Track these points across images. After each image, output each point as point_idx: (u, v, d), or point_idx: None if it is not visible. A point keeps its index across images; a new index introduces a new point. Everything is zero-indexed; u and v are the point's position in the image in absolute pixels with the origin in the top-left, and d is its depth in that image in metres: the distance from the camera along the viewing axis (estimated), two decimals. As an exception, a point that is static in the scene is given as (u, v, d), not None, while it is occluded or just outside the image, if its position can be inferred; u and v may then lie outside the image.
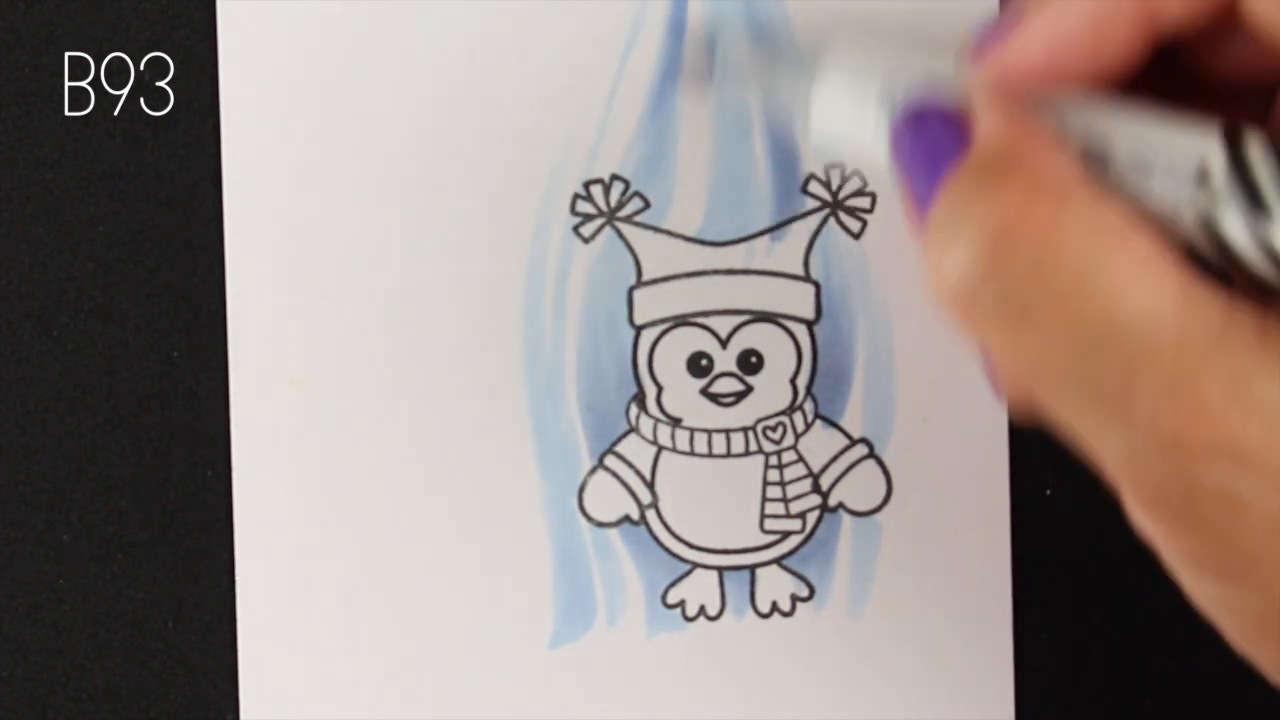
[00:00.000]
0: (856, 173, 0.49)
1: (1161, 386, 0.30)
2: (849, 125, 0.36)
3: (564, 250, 0.49)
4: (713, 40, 0.42)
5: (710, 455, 0.49)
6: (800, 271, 0.49)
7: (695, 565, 0.49)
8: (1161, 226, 0.32)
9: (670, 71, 0.49)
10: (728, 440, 0.49)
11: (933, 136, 0.34)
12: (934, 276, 0.33)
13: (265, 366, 0.49)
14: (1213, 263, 0.32)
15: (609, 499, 0.49)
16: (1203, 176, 0.31)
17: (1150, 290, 0.30)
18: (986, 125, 0.33)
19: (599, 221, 0.49)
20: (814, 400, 0.49)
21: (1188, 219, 0.31)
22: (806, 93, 0.37)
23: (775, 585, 0.50)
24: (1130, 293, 0.30)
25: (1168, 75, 0.35)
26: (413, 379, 0.49)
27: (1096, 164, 0.33)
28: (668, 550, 0.49)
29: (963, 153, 0.33)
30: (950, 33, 0.49)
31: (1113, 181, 0.32)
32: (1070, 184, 0.32)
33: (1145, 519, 0.32)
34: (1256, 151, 0.31)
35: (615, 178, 0.49)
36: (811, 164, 0.49)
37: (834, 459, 0.49)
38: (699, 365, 0.49)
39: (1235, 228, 0.31)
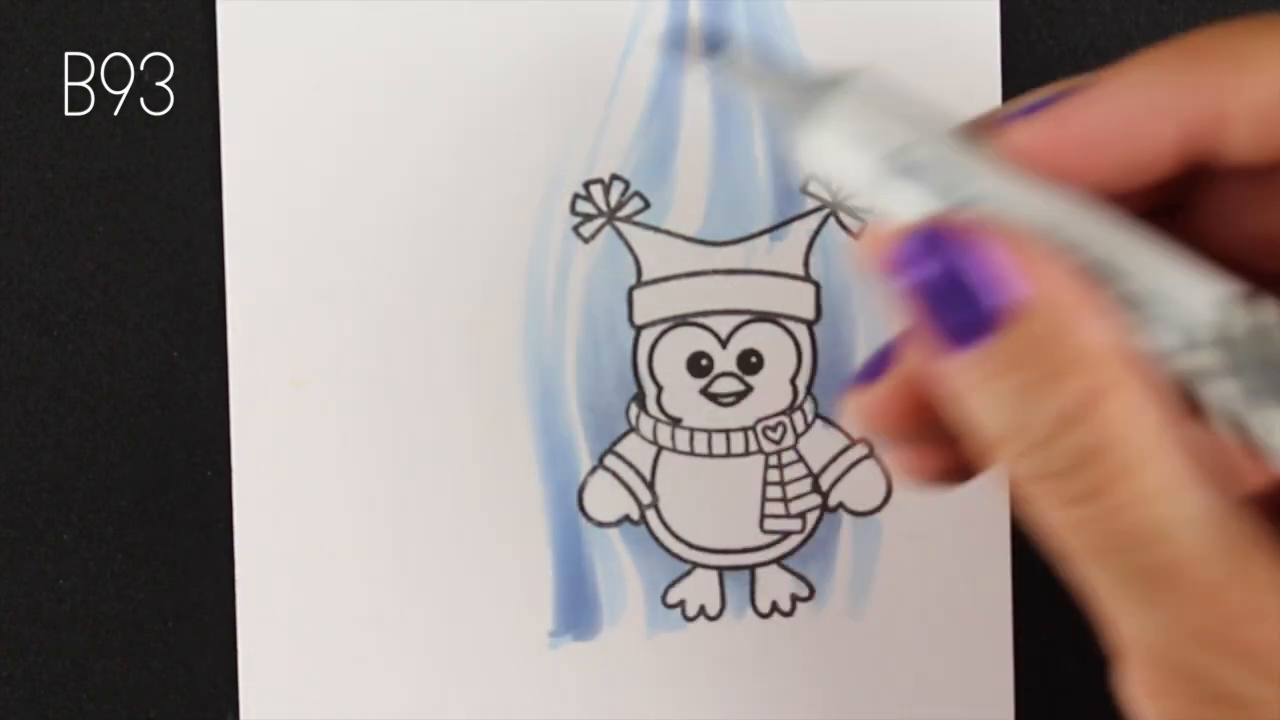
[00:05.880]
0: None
1: (1189, 592, 0.32)
2: (841, 167, 0.35)
3: (564, 250, 0.49)
4: (718, 40, 0.41)
5: (710, 455, 0.49)
6: (800, 271, 0.49)
7: (695, 565, 0.49)
8: (1161, 371, 0.33)
9: (670, 71, 0.49)
10: (728, 440, 0.49)
11: (949, 275, 0.33)
12: (982, 420, 0.33)
13: (265, 366, 0.49)
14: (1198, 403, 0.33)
15: (609, 499, 0.49)
16: (1219, 338, 0.32)
17: (1185, 502, 0.32)
18: (1027, 289, 0.33)
19: (599, 221, 0.49)
20: (814, 400, 0.49)
21: (1196, 376, 0.32)
22: (804, 124, 0.35)
23: (775, 585, 0.50)
24: (1170, 500, 0.32)
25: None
26: (413, 379, 0.49)
27: (1100, 279, 0.33)
28: (668, 550, 0.49)
29: (986, 299, 0.33)
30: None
31: (1118, 301, 0.33)
32: (1123, 376, 0.32)
33: (1145, 690, 0.34)
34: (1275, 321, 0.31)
35: (615, 178, 0.49)
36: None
37: (834, 459, 0.49)
38: (699, 365, 0.49)
39: (1247, 406, 0.32)
